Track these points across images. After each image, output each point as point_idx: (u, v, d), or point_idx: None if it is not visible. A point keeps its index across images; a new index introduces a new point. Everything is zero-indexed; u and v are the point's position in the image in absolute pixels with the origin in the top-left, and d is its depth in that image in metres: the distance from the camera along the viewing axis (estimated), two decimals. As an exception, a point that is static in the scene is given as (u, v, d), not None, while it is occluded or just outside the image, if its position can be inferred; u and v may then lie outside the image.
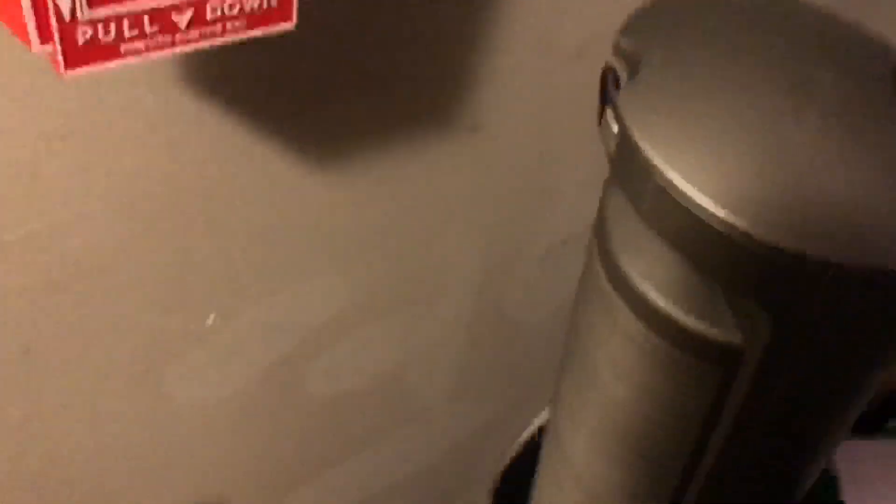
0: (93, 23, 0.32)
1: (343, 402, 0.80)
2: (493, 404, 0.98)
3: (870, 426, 1.10)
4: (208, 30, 0.35)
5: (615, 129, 0.45)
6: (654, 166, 0.43)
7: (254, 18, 0.36)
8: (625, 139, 0.45)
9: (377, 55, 0.57)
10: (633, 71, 0.47)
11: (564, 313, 0.92)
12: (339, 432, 0.84)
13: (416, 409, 0.89)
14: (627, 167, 0.46)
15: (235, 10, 0.35)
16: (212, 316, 0.62)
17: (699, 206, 0.42)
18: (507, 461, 1.13)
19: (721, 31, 0.49)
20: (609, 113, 0.46)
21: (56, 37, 0.32)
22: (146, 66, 0.46)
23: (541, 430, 1.11)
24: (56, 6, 0.31)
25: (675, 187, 0.42)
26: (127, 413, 0.63)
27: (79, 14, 0.32)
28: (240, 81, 0.51)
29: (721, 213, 0.41)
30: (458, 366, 0.88)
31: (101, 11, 0.32)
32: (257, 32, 0.37)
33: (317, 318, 0.70)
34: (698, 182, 0.42)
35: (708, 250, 0.44)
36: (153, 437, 0.67)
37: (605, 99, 0.47)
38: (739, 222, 0.41)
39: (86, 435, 0.62)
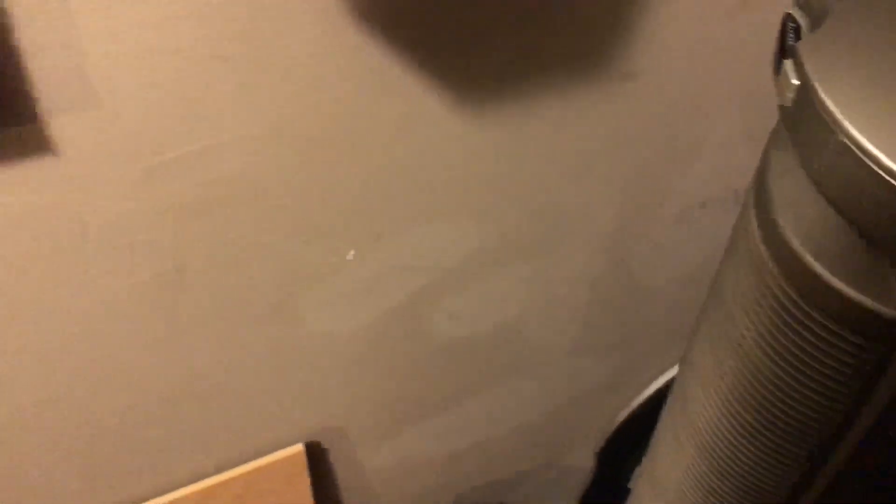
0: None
1: (463, 346, 0.80)
2: (610, 364, 0.97)
3: None
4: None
5: (795, 81, 0.43)
6: (837, 122, 0.40)
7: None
8: (805, 92, 0.42)
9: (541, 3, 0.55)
10: (816, 23, 0.44)
11: (693, 279, 0.90)
12: (456, 376, 0.84)
13: (533, 360, 0.88)
14: (805, 122, 0.43)
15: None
16: (352, 252, 0.63)
17: (884, 167, 0.39)
18: (615, 426, 1.12)
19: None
20: (788, 64, 0.44)
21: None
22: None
23: (655, 395, 1.09)
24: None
25: (858, 145, 0.40)
26: (262, 336, 0.65)
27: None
28: (401, 19, 0.51)
29: (905, 173, 0.39)
30: (578, 322, 0.87)
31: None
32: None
33: (447, 260, 0.70)
34: (884, 141, 0.40)
35: (884, 217, 0.41)
36: (284, 362, 0.69)
37: (784, 50, 0.45)
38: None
39: (223, 353, 0.64)
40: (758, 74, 0.68)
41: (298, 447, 0.78)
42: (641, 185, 0.74)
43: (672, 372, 1.08)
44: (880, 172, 0.40)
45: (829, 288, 0.48)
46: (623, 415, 1.10)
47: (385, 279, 0.67)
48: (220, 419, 0.71)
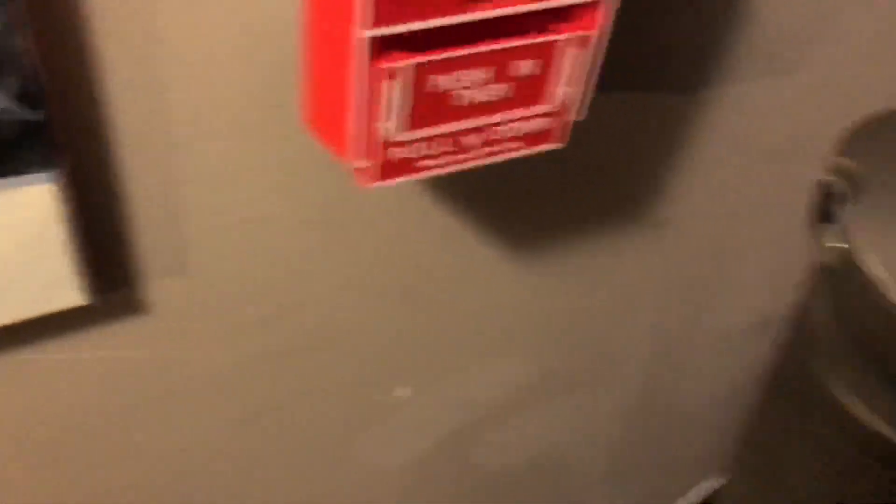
0: (406, 143, 0.36)
1: (503, 478, 0.82)
2: (643, 487, 0.99)
3: None
4: (494, 149, 0.39)
5: (843, 245, 0.47)
6: (882, 285, 0.44)
7: (531, 139, 0.40)
8: (849, 259, 0.46)
9: (589, 166, 0.60)
10: (856, 190, 0.49)
11: (721, 404, 0.93)
12: (498, 506, 0.86)
13: (571, 488, 0.90)
14: (848, 287, 0.47)
15: (520, 132, 0.39)
16: (409, 388, 0.65)
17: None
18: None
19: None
20: (832, 230, 0.48)
21: (377, 153, 0.36)
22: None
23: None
24: (378, 130, 0.35)
25: (905, 309, 0.43)
26: (317, 477, 0.67)
27: (395, 135, 0.36)
28: (465, 181, 0.55)
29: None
30: (614, 449, 0.89)
31: (416, 133, 0.36)
32: (532, 151, 0.40)
33: (495, 395, 0.73)
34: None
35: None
36: (339, 498, 0.70)
37: (826, 216, 0.49)
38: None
39: (284, 492, 0.66)
40: (779, 223, 0.72)
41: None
42: (674, 320, 0.78)
43: (702, 494, 1.09)
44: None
45: (876, 434, 0.51)
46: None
47: (436, 415, 0.70)
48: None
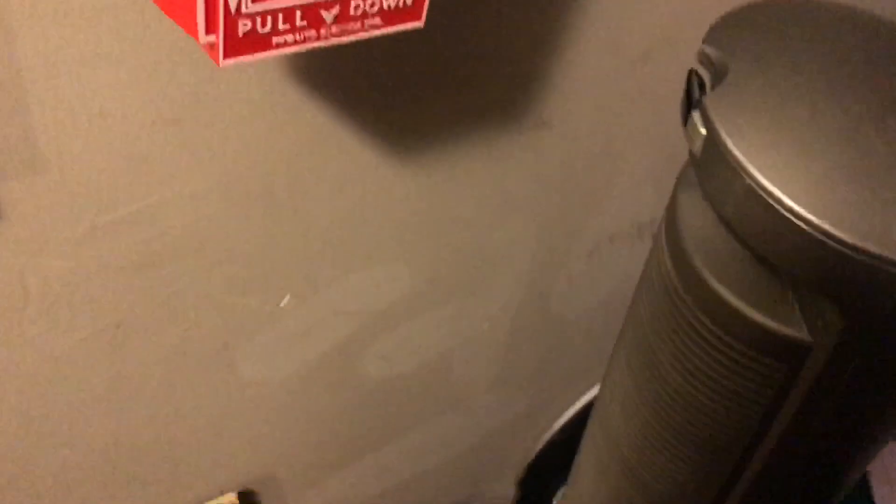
0: (253, 16, 0.35)
1: (392, 386, 0.83)
2: (530, 394, 1.01)
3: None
4: (349, 26, 0.37)
5: (703, 131, 0.48)
6: (742, 168, 0.45)
7: (388, 16, 0.39)
8: (712, 141, 0.47)
9: (460, 58, 0.59)
10: (719, 77, 0.50)
11: (606, 308, 0.95)
12: (385, 417, 0.86)
13: (458, 396, 0.91)
14: (713, 168, 0.48)
15: (375, 8, 0.38)
16: (287, 297, 0.64)
17: (786, 207, 0.44)
18: (534, 453, 1.16)
19: (803, 40, 0.51)
20: (696, 115, 0.48)
21: (221, 28, 0.34)
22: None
23: (570, 422, 1.13)
24: (225, 1, 0.33)
25: (763, 188, 0.45)
26: (199, 386, 0.66)
27: (243, 7, 0.34)
28: (337, 77, 0.54)
29: (807, 214, 0.44)
30: (499, 356, 0.90)
31: (262, 5, 0.34)
32: (390, 30, 0.39)
33: (380, 303, 0.72)
34: (785, 184, 0.45)
35: (789, 250, 0.46)
36: (219, 412, 0.69)
37: (691, 102, 0.50)
38: (824, 223, 0.43)
39: (160, 405, 0.65)
40: (659, 120, 0.74)
41: (232, 496, 0.78)
42: (557, 224, 0.79)
43: (584, 399, 1.13)
44: (783, 212, 0.44)
45: (739, 315, 0.53)
46: (541, 443, 1.14)
47: (318, 325, 0.69)
48: (155, 471, 0.70)
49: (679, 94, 0.52)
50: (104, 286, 0.54)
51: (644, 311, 0.64)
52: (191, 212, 0.53)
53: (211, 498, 0.77)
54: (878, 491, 1.04)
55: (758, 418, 0.57)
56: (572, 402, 1.11)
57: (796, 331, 0.51)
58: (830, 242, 0.44)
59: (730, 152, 0.46)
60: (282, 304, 0.65)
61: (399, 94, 0.58)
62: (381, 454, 0.91)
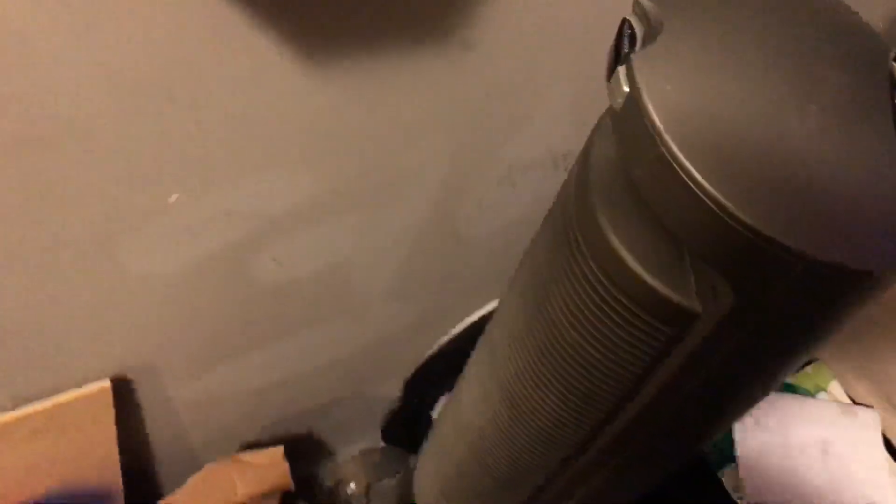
0: None
1: (285, 288, 0.81)
2: (424, 307, 1.01)
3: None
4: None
5: (625, 88, 0.46)
6: (657, 133, 0.44)
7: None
8: (633, 101, 0.45)
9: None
10: (652, 34, 0.47)
11: (508, 234, 0.94)
12: (275, 315, 0.84)
13: (352, 303, 0.90)
14: (629, 128, 0.46)
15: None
16: (175, 195, 0.61)
17: (695, 181, 0.43)
18: (423, 359, 1.17)
19: (743, 8, 0.49)
20: (621, 71, 0.46)
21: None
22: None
23: (462, 334, 1.14)
24: None
25: (674, 157, 0.43)
26: (77, 274, 0.62)
27: None
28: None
29: (715, 192, 0.43)
30: (399, 269, 0.89)
31: None
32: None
33: (276, 207, 0.70)
34: (697, 157, 0.44)
35: (693, 223, 0.46)
36: (97, 299, 0.66)
37: (619, 57, 0.48)
38: (731, 203, 0.43)
39: (29, 292, 0.61)
40: (585, 57, 0.71)
41: (104, 383, 0.76)
42: (472, 149, 0.76)
43: (479, 314, 1.14)
44: (689, 183, 0.43)
45: (632, 273, 0.53)
46: (432, 350, 1.15)
47: (210, 224, 0.66)
48: (20, 353, 0.68)
49: (612, 36, 0.49)
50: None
51: (542, 249, 0.63)
52: (72, 96, 0.49)
53: (84, 383, 0.75)
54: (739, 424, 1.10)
55: (634, 375, 0.58)
56: (467, 315, 1.11)
57: (686, 299, 0.51)
58: (728, 220, 0.43)
59: (648, 115, 0.44)
60: (170, 200, 0.61)
61: (317, -3, 0.54)
62: (266, 351, 0.90)
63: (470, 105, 0.70)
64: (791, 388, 1.22)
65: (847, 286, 0.45)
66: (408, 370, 1.15)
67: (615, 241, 0.53)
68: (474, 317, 1.12)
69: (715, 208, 0.43)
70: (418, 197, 0.78)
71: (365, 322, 0.96)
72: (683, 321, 0.52)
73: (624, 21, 0.48)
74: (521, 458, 0.75)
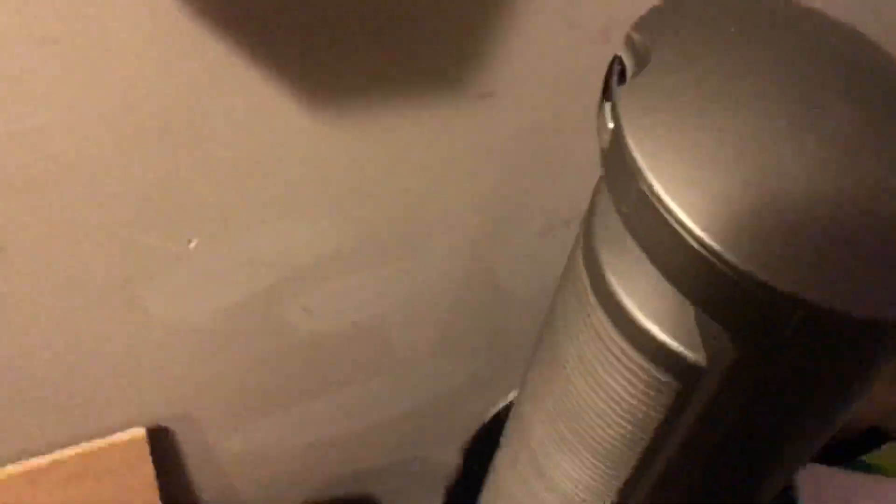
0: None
1: (321, 343, 0.80)
2: (475, 366, 0.98)
3: (843, 457, 1.08)
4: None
5: (610, 125, 0.44)
6: (638, 170, 0.41)
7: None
8: (617, 137, 0.43)
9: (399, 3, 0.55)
10: (641, 67, 0.45)
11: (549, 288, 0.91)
12: (313, 371, 0.84)
13: (393, 360, 0.89)
14: (615, 165, 0.44)
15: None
16: (195, 240, 0.62)
17: (676, 219, 0.40)
18: (483, 422, 1.13)
19: (736, 38, 0.47)
20: (607, 107, 0.45)
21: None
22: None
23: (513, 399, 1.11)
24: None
25: (655, 195, 0.41)
26: (97, 321, 0.64)
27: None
28: (247, 8, 0.50)
29: (697, 230, 0.40)
30: (440, 324, 0.88)
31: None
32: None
33: (301, 257, 0.70)
34: (680, 194, 0.41)
35: (681, 265, 0.43)
36: (122, 346, 0.68)
37: (607, 92, 0.46)
38: (715, 243, 0.40)
39: (55, 337, 0.63)
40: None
41: (139, 430, 0.77)
42: (502, 198, 0.75)
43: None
44: (674, 224, 0.41)
45: (638, 325, 0.50)
46: (488, 415, 1.12)
47: (233, 271, 0.67)
48: (51, 399, 0.69)
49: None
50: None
51: (559, 306, 0.61)
52: (77, 138, 0.51)
53: (119, 430, 0.76)
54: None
55: (650, 432, 0.54)
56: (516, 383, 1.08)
57: (692, 351, 0.48)
58: (717, 262, 0.40)
59: (630, 152, 0.42)
60: (190, 246, 0.62)
61: (324, 40, 0.54)
62: (309, 407, 0.89)
63: (494, 154, 0.69)
64: (866, 467, 1.12)
65: (855, 334, 0.41)
66: (466, 434, 1.12)
67: (622, 294, 0.50)
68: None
69: (699, 247, 0.40)
70: (449, 248, 0.76)
71: (411, 381, 0.94)
72: (690, 374, 0.48)
73: (615, 57, 0.47)
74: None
